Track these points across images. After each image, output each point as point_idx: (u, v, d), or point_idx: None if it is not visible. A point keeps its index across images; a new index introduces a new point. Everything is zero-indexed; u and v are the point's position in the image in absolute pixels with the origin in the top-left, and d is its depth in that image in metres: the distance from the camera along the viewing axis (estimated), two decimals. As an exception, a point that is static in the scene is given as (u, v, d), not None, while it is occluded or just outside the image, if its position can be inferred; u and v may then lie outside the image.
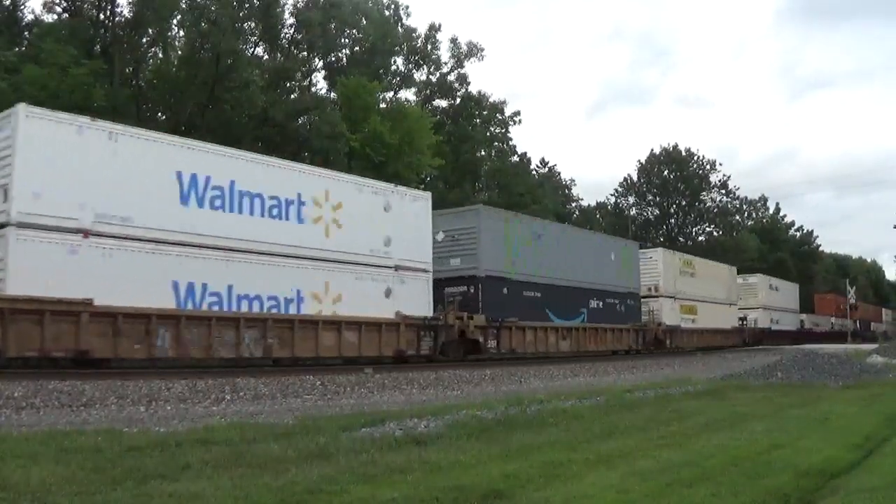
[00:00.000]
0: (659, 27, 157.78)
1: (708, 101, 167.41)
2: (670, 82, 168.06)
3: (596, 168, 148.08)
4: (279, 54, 41.12)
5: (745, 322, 40.99)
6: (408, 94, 49.31)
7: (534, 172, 64.03)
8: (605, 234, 37.90)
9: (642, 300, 29.83)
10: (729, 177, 78.77)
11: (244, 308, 14.80)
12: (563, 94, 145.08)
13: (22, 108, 12.17)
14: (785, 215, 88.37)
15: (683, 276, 33.47)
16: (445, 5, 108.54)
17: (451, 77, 51.31)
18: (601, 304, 26.15)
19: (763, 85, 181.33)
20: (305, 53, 42.76)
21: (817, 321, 61.23)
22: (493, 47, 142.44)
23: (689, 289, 33.69)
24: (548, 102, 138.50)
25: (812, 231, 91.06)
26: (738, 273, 43.33)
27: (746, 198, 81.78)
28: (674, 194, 75.89)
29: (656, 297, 31.09)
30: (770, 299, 46.89)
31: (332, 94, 40.63)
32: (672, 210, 76.66)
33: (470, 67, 55.51)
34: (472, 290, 20.51)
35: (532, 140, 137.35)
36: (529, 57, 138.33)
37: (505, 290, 21.46)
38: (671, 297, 32.00)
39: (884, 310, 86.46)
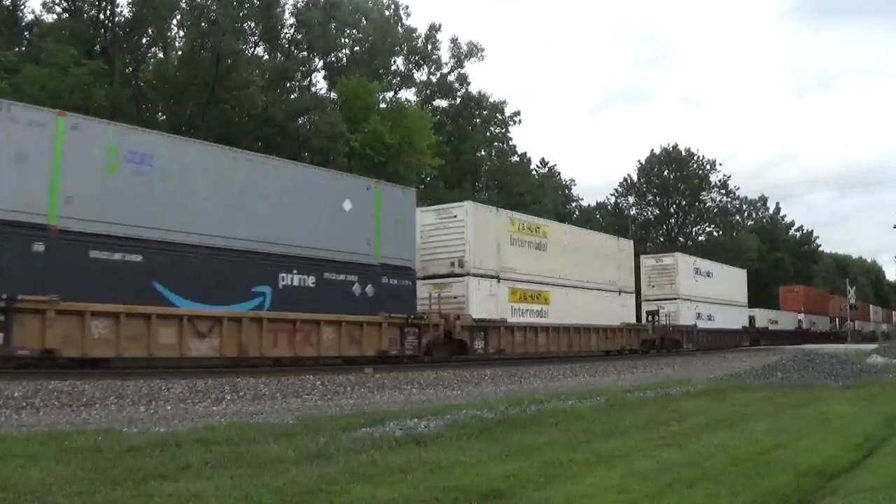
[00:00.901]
0: (662, 26, 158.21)
1: (709, 101, 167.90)
2: (672, 81, 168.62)
3: (596, 168, 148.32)
4: (279, 54, 41.14)
5: (655, 317, 30.76)
6: (408, 94, 49.36)
7: (534, 172, 64.07)
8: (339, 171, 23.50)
9: (435, 281, 20.10)
10: (729, 177, 78.91)
11: None
12: (565, 94, 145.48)
13: None
14: (785, 215, 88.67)
15: (520, 246, 22.55)
16: (445, 5, 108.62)
17: (452, 77, 51.35)
18: (311, 280, 16.09)
19: (765, 85, 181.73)
20: (305, 53, 42.75)
21: (776, 318, 51.35)
22: (494, 47, 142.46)
23: (531, 266, 22.79)
24: (549, 102, 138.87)
25: (812, 231, 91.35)
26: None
27: (746, 198, 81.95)
28: (674, 194, 75.81)
29: (461, 276, 20.21)
30: (695, 287, 34.37)
31: (332, 94, 40.63)
32: (672, 210, 76.60)
33: (470, 67, 55.57)
34: None
35: (533, 140, 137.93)
36: (531, 57, 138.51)
37: (39, 247, 12.38)
38: (492, 277, 21.11)
39: (872, 308, 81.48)
